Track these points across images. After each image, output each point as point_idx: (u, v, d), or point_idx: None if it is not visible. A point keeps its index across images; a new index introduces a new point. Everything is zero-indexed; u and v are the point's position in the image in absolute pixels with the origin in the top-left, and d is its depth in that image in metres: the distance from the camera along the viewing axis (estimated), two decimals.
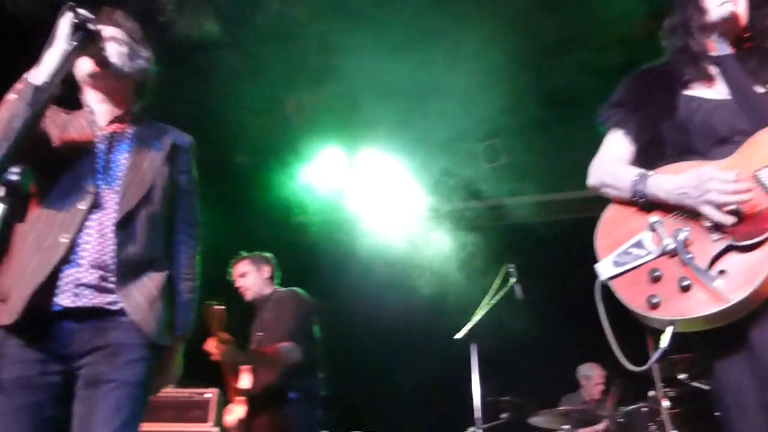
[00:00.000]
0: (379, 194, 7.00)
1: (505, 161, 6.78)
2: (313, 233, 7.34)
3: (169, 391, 4.96)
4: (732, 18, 2.11)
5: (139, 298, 2.13)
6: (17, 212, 2.10)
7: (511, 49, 5.39)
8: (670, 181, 1.94)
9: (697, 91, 2.12)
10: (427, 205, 7.06)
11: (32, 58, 2.05)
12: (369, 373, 6.89)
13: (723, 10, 2.10)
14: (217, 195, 5.03)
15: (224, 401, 5.19)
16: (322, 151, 6.74)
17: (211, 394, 5.04)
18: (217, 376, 5.32)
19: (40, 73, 1.98)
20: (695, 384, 4.82)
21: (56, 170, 2.17)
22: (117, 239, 2.13)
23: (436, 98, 5.65)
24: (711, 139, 2.02)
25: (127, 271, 2.13)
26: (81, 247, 2.09)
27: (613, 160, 2.20)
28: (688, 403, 4.98)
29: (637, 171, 2.06)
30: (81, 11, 2.06)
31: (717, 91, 2.10)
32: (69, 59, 2.02)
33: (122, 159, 2.26)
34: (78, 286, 2.06)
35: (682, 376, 4.88)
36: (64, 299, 2.04)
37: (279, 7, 4.99)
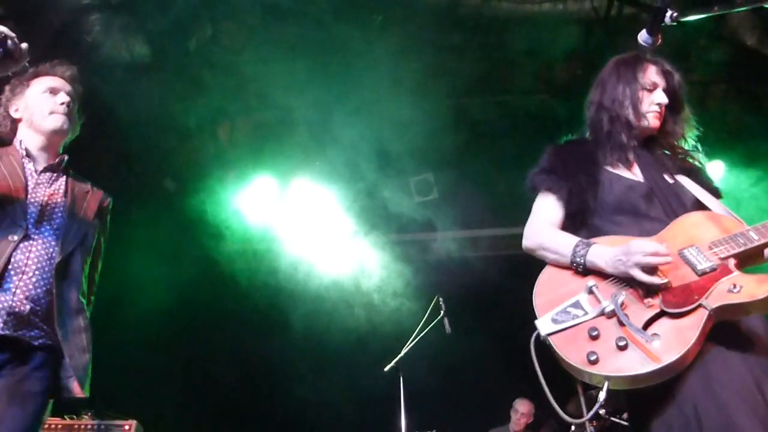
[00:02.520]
0: (311, 224, 6.97)
1: (436, 196, 6.89)
2: (242, 261, 7.22)
3: (85, 423, 4.77)
4: (657, 127, 2.40)
5: (73, 346, 2.19)
6: None
7: (445, 86, 5.55)
8: (609, 251, 2.11)
9: (618, 170, 2.35)
10: (358, 237, 7.07)
11: None
12: (297, 402, 6.79)
13: (649, 120, 2.38)
14: (144, 221, 4.90)
15: None
16: (254, 180, 6.68)
17: (129, 425, 4.86)
18: (136, 406, 5.15)
19: None
20: (614, 419, 4.96)
21: None
22: (57, 280, 2.20)
23: (369, 132, 5.72)
24: (628, 214, 2.25)
25: (65, 313, 2.20)
26: (18, 278, 2.13)
27: (548, 225, 2.35)
28: None
29: (576, 239, 2.21)
30: (1, 29, 2.06)
31: (634, 173, 2.35)
32: None
33: (59, 205, 2.38)
34: (9, 314, 2.08)
35: (602, 411, 5.01)
36: None
37: (212, 34, 4.97)
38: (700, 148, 2.48)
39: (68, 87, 2.53)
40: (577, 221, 2.33)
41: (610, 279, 2.11)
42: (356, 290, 7.03)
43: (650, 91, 2.37)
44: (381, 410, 5.23)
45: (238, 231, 6.94)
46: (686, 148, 2.46)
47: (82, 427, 4.75)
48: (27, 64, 2.23)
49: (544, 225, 2.36)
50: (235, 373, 6.84)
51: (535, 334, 2.09)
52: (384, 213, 7.01)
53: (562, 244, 2.23)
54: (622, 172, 2.34)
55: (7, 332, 2.05)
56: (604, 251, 2.12)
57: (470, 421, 6.26)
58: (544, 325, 2.08)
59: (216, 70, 5.32)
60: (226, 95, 5.54)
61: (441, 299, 5.12)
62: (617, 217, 2.26)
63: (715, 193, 2.37)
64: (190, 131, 5.80)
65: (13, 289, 2.10)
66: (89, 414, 4.84)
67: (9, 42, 2.06)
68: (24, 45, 2.16)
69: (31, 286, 2.15)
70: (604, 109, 2.42)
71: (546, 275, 2.24)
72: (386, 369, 4.87)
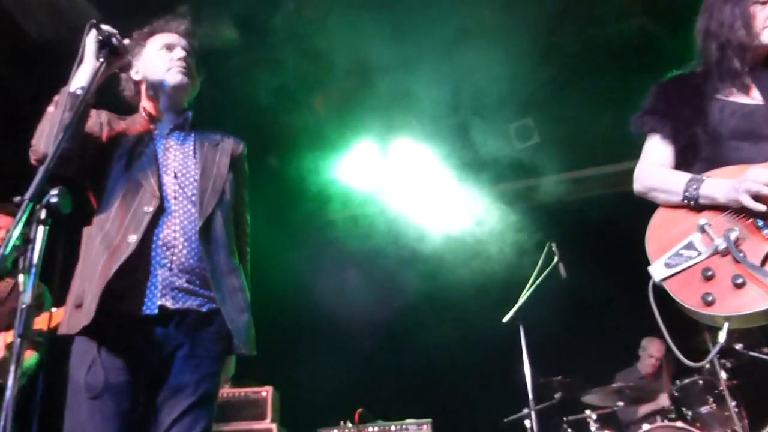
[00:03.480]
0: (416, 183, 6.99)
1: (537, 140, 6.69)
2: (351, 227, 7.38)
3: (226, 391, 5.10)
4: None
5: (231, 307, 2.21)
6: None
7: (529, 24, 5.32)
8: (723, 182, 2.02)
9: (733, 96, 2.20)
10: (464, 190, 7.03)
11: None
12: (419, 360, 6.93)
13: (765, 37, 2.15)
14: (255, 197, 5.07)
15: (280, 398, 5.30)
16: (356, 145, 6.77)
17: (266, 392, 5.16)
18: (270, 373, 5.45)
19: (74, 85, 2.08)
20: (753, 354, 4.69)
21: (119, 175, 2.24)
22: (203, 245, 2.20)
23: (462, 82, 5.61)
24: (745, 141, 2.11)
25: (218, 276, 2.21)
26: (170, 251, 2.16)
27: (658, 165, 2.26)
28: (746, 374, 4.85)
29: (688, 175, 2.13)
30: (105, 28, 2.15)
31: (753, 96, 2.18)
32: (97, 75, 2.10)
33: (191, 165, 2.35)
34: (173, 289, 2.14)
35: (738, 346, 4.75)
36: (166, 301, 2.12)
37: (294, 7, 5.01)
38: None
39: (183, 41, 2.47)
40: (689, 156, 2.23)
41: (725, 214, 2.02)
42: (468, 243, 7.00)
43: (764, 3, 2.14)
44: (505, 360, 5.24)
45: (345, 197, 7.10)
46: None
47: (223, 395, 5.10)
48: (130, 59, 2.33)
49: (653, 166, 2.27)
50: (357, 333, 7.05)
51: (651, 281, 2.06)
52: (487, 163, 6.90)
53: (672, 182, 2.15)
54: (737, 98, 2.19)
55: (177, 306, 2.12)
56: (719, 183, 2.04)
57: (596, 364, 6.14)
58: (657, 270, 2.04)
59: (302, 42, 5.36)
60: (315, 66, 5.60)
61: (554, 245, 5.01)
62: (734, 145, 2.13)
63: None
64: (284, 106, 5.92)
65: (169, 265, 2.14)
66: (228, 383, 5.17)
67: (113, 39, 2.14)
68: (126, 41, 2.26)
69: (183, 259, 2.16)
70: (712, 36, 2.23)
71: (657, 219, 2.17)
72: (505, 320, 4.85)
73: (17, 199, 1.62)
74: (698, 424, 4.85)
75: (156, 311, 2.10)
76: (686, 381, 5.14)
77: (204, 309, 2.18)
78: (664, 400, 5.60)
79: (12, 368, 1.54)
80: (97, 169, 2.25)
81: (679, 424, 4.72)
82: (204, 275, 2.19)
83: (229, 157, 2.45)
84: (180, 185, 2.27)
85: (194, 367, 2.13)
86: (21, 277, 1.57)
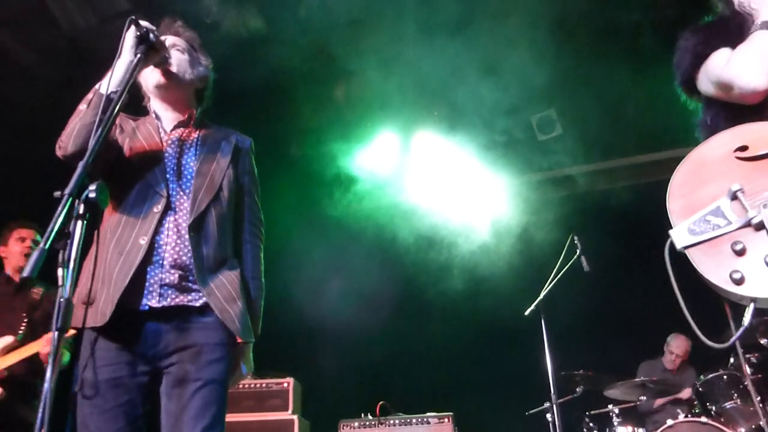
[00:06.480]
0: (437, 174, 6.98)
1: (560, 131, 6.63)
2: (375, 218, 7.37)
3: (248, 382, 5.15)
4: None
5: (221, 297, 2.22)
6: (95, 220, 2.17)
7: (540, 20, 5.26)
8: None
9: None
10: (486, 183, 6.99)
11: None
12: (441, 353, 6.93)
13: None
14: (276, 188, 5.10)
15: (301, 390, 5.34)
16: (377, 137, 6.76)
17: (287, 383, 5.19)
18: (290, 365, 5.48)
19: (109, 83, 2.08)
20: None
21: (129, 176, 2.27)
22: (191, 240, 2.21)
23: (480, 76, 5.57)
24: None
25: (204, 270, 2.22)
26: (162, 249, 2.18)
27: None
28: None
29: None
30: (143, 23, 2.15)
31: None
32: (134, 69, 2.10)
33: (191, 163, 2.35)
34: (162, 286, 2.15)
35: (764, 341, 4.70)
36: (150, 299, 2.13)
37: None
38: None
39: (171, 41, 2.42)
40: None
41: (759, 181, 1.81)
42: (489, 236, 6.98)
43: None
44: (527, 354, 5.22)
45: (364, 189, 7.10)
46: None
47: (245, 386, 5.16)
48: (167, 56, 2.33)
49: (741, 52, 2.10)
50: (378, 325, 7.06)
51: (669, 242, 1.85)
52: (509, 156, 6.85)
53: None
54: None
55: (163, 303, 2.14)
56: None
57: (619, 358, 6.11)
58: (679, 236, 1.82)
59: (326, 33, 5.37)
60: (338, 57, 5.58)
61: (576, 237, 4.99)
62: None
63: None
64: (306, 96, 5.93)
65: (161, 261, 2.16)
66: (250, 374, 5.22)
67: (151, 35, 2.15)
68: (163, 37, 2.28)
69: (175, 255, 2.18)
70: None
71: (680, 176, 1.93)
72: (527, 313, 4.85)
73: (57, 193, 1.63)
74: (722, 419, 4.80)
75: (147, 307, 2.13)
76: (710, 375, 5.07)
77: (198, 303, 2.20)
78: (686, 393, 5.57)
79: (50, 360, 1.56)
80: (110, 169, 2.27)
81: (703, 419, 4.67)
82: (194, 270, 2.20)
83: (231, 153, 2.44)
84: (179, 184, 2.29)
85: (194, 356, 2.14)
86: (60, 271, 1.59)
